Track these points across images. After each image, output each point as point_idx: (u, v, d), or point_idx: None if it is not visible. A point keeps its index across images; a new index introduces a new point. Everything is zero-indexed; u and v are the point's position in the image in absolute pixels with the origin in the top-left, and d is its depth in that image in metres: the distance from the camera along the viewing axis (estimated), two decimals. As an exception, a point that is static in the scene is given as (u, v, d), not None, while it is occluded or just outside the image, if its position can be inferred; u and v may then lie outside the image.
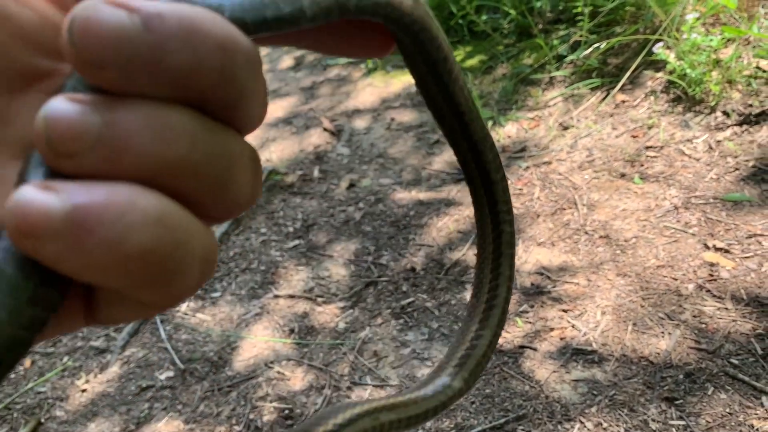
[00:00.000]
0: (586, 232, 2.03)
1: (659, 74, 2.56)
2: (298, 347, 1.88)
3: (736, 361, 1.50)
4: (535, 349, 1.68)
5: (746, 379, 1.45)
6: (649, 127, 2.39)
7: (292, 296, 2.08)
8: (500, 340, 1.73)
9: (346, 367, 1.77)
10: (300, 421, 1.63)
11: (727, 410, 1.40)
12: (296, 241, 2.37)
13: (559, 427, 1.46)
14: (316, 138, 3.12)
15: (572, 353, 1.64)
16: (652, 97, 2.51)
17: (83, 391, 1.87)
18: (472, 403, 1.58)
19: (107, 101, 0.19)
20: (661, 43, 2.49)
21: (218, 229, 2.45)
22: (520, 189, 2.33)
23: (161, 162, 0.19)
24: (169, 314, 2.09)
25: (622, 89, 2.62)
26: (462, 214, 2.28)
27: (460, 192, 2.42)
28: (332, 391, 1.70)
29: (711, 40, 2.34)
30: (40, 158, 0.19)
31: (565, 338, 1.68)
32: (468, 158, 0.31)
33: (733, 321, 1.59)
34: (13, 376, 1.94)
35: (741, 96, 2.29)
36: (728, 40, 2.40)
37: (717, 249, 1.82)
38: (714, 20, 2.56)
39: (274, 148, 3.13)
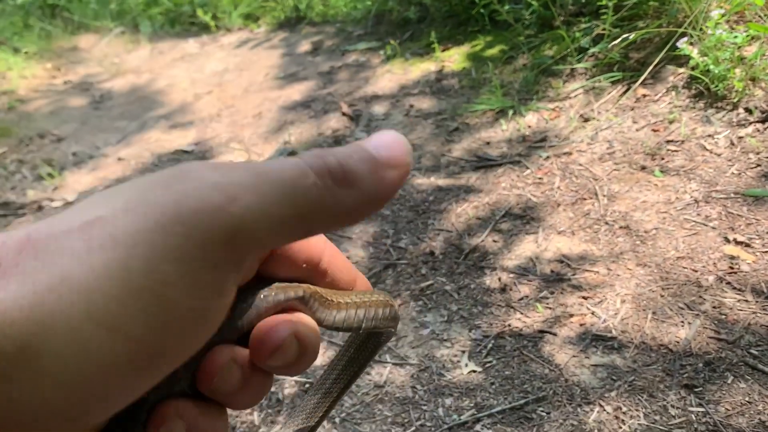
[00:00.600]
0: (606, 223, 2.04)
1: (682, 69, 2.56)
2: (318, 325, 1.90)
3: (755, 352, 1.51)
4: (554, 334, 1.70)
5: (766, 369, 1.47)
6: (670, 122, 2.40)
7: (311, 275, 2.10)
8: (519, 324, 1.75)
9: (366, 345, 1.79)
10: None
11: (747, 399, 1.42)
12: (315, 222, 2.38)
13: (579, 410, 1.48)
14: (334, 122, 3.14)
15: (592, 339, 1.65)
16: (673, 92, 2.52)
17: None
18: (492, 383, 1.60)
19: None
20: (685, 38, 2.50)
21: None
22: (540, 178, 2.34)
23: None
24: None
25: (643, 83, 2.62)
26: (481, 201, 2.30)
27: (480, 179, 2.43)
28: (352, 368, 1.72)
29: (736, 36, 2.35)
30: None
31: (584, 324, 1.70)
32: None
33: (753, 313, 1.61)
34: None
35: (764, 93, 2.30)
36: (753, 37, 2.40)
37: (737, 243, 1.83)
38: (738, 17, 2.56)
39: (292, 130, 3.14)
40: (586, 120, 2.59)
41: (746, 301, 1.65)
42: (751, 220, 1.89)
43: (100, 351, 0.23)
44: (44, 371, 0.22)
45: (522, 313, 1.79)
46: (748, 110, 2.29)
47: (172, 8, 5.51)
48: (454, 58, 3.38)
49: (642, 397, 1.48)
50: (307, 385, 1.70)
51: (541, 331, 1.71)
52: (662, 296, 1.73)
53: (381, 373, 1.70)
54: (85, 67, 4.83)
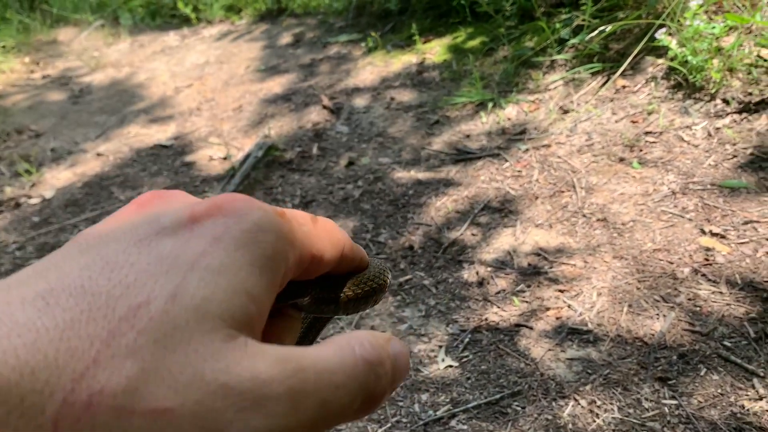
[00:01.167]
0: (584, 215, 2.04)
1: (660, 60, 2.56)
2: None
3: (729, 344, 1.52)
4: (531, 328, 1.70)
5: (738, 361, 1.47)
6: (649, 113, 2.40)
7: (290, 271, 2.09)
8: (496, 318, 1.75)
9: (344, 341, 1.78)
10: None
11: (719, 391, 1.43)
12: (294, 217, 2.37)
13: (554, 403, 1.48)
14: (315, 115, 3.12)
15: (568, 332, 1.66)
16: (652, 83, 2.52)
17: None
18: (468, 378, 1.60)
19: None
20: (663, 29, 2.50)
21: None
22: (519, 171, 2.34)
23: None
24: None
25: (622, 74, 2.62)
26: (460, 195, 2.29)
27: (459, 173, 2.42)
28: (329, 364, 1.72)
29: (713, 27, 2.35)
30: None
31: (561, 318, 1.70)
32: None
33: (727, 305, 1.62)
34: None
35: (741, 84, 2.30)
36: (730, 28, 2.40)
37: (713, 234, 1.83)
38: (717, 8, 2.57)
39: (272, 124, 3.12)
40: (566, 112, 2.59)
41: (720, 292, 1.65)
42: (727, 211, 1.90)
43: None
44: None
45: (499, 307, 1.79)
46: (725, 101, 2.29)
47: (153, 1, 5.45)
48: (436, 50, 3.37)
49: (616, 390, 1.48)
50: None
51: (518, 325, 1.71)
52: (638, 289, 1.73)
53: (358, 369, 1.69)
54: (64, 61, 4.77)
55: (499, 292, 1.84)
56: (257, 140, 2.95)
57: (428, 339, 1.75)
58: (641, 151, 2.26)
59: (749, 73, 2.30)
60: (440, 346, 1.71)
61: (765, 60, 2.30)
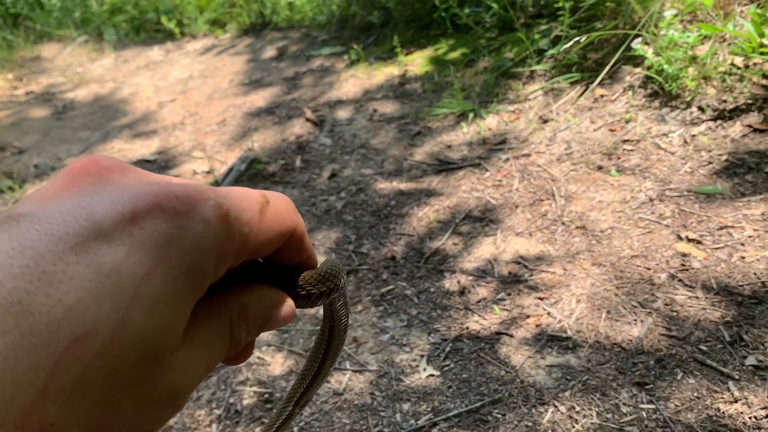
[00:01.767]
0: (563, 223, 2.06)
1: (637, 69, 2.60)
2: (279, 333, 1.89)
3: (704, 348, 1.54)
4: (511, 336, 1.71)
5: (714, 364, 1.49)
6: (627, 121, 2.44)
7: (272, 283, 2.10)
8: (477, 327, 1.76)
9: (326, 352, 1.79)
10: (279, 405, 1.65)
11: (695, 394, 1.44)
12: (277, 230, 2.38)
13: (534, 410, 1.50)
14: (298, 128, 3.13)
15: (547, 340, 1.67)
16: (630, 92, 2.56)
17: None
18: (449, 387, 1.61)
19: None
20: (639, 39, 2.54)
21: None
22: (499, 180, 2.36)
23: None
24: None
25: (601, 84, 2.66)
26: (442, 205, 2.31)
27: (441, 183, 2.45)
28: (312, 376, 1.72)
29: (688, 36, 2.39)
30: None
31: (540, 325, 1.72)
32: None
33: (703, 309, 1.64)
34: None
35: (716, 92, 2.34)
36: (705, 37, 2.45)
37: (689, 240, 1.86)
38: (691, 17, 2.61)
39: (256, 137, 3.13)
40: (545, 121, 2.62)
41: (696, 297, 1.68)
42: (703, 217, 1.93)
43: None
44: None
45: (480, 316, 1.80)
46: (700, 109, 2.33)
47: (137, 16, 5.46)
48: (417, 62, 3.40)
49: (595, 396, 1.50)
50: (266, 395, 1.69)
51: (498, 333, 1.73)
52: (616, 295, 1.75)
53: (340, 380, 1.70)
54: (48, 77, 4.77)
55: (480, 301, 1.85)
56: (240, 154, 2.96)
57: (410, 349, 1.75)
58: (619, 159, 2.29)
59: (723, 81, 2.34)
60: (422, 356, 1.72)
61: (738, 68, 2.35)
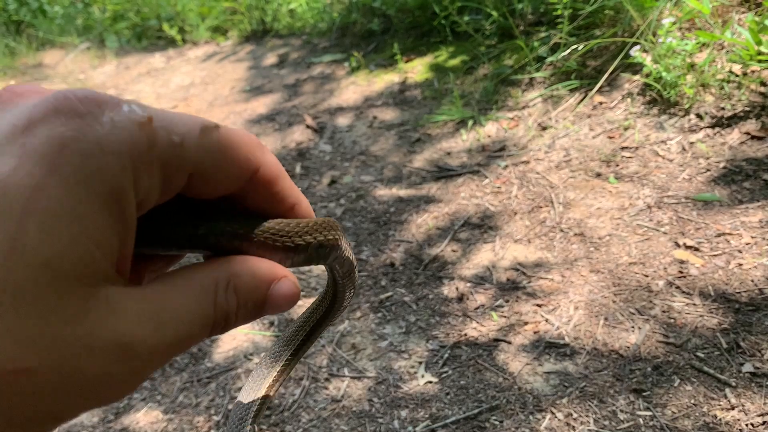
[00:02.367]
0: (562, 230, 2.07)
1: (636, 77, 2.61)
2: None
3: (702, 355, 1.55)
4: (509, 343, 1.72)
5: (711, 371, 1.50)
6: (625, 129, 2.45)
7: (272, 290, 2.10)
8: (475, 334, 1.77)
9: (325, 359, 1.79)
10: (278, 411, 1.66)
11: (692, 401, 1.45)
12: (277, 236, 2.39)
13: (531, 417, 1.50)
14: (298, 135, 3.15)
15: (545, 346, 1.68)
16: (628, 99, 2.57)
17: (62, 381, 1.88)
18: (447, 394, 1.61)
19: None
20: (638, 47, 2.55)
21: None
22: (498, 187, 2.37)
23: None
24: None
25: (599, 91, 2.67)
26: (441, 211, 2.32)
27: (440, 190, 2.45)
28: (310, 382, 1.73)
29: (686, 44, 2.40)
30: None
31: (538, 332, 1.72)
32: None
33: (701, 316, 1.64)
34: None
35: (714, 99, 2.35)
36: (703, 44, 2.46)
37: (687, 247, 1.87)
38: (690, 25, 2.62)
39: (256, 144, 3.14)
40: (544, 128, 2.63)
41: (694, 304, 1.68)
42: (701, 224, 1.93)
43: None
44: None
45: (478, 322, 1.81)
46: (699, 116, 2.34)
47: (139, 23, 5.49)
48: (417, 69, 3.41)
49: (592, 402, 1.50)
50: (264, 401, 1.69)
51: (496, 340, 1.73)
52: (614, 302, 1.76)
53: (339, 387, 1.70)
54: (50, 84, 4.79)
55: (478, 308, 1.86)
56: (241, 160, 2.97)
57: (408, 355, 1.76)
58: (618, 166, 2.29)
59: (721, 88, 2.35)
60: (420, 362, 1.73)
61: (736, 75, 2.36)
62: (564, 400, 1.52)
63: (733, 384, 1.46)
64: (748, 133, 2.19)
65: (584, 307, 1.76)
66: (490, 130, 2.74)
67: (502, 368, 1.65)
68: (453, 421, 1.53)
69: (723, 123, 2.27)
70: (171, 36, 5.08)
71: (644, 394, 1.49)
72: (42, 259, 0.21)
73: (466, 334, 1.78)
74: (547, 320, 1.75)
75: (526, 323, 1.76)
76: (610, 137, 2.45)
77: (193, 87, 4.13)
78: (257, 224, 0.30)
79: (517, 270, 1.96)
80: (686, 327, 1.63)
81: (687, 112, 2.38)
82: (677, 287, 1.75)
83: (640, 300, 1.74)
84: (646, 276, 1.81)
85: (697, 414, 1.42)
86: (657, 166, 2.24)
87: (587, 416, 1.47)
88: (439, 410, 1.57)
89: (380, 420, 1.58)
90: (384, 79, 3.44)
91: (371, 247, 2.24)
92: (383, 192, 2.53)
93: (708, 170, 2.13)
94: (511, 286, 1.90)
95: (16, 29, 5.87)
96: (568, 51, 2.76)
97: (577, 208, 2.15)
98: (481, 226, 2.20)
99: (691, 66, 2.43)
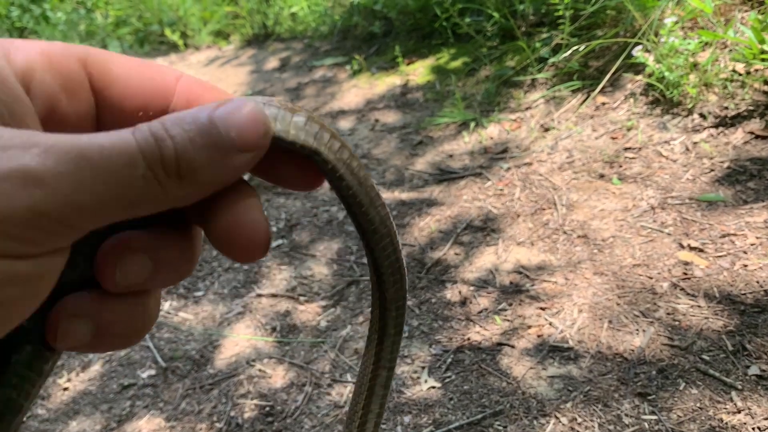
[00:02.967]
0: (565, 232, 2.06)
1: (638, 77, 2.60)
2: (280, 345, 1.89)
3: (707, 357, 1.53)
4: (512, 346, 1.70)
5: (717, 374, 1.48)
6: (628, 129, 2.43)
7: (274, 295, 2.10)
8: (478, 338, 1.76)
9: (327, 364, 1.79)
10: (280, 418, 1.65)
11: (698, 405, 1.43)
12: (279, 241, 2.38)
13: (535, 422, 1.49)
14: (300, 139, 3.14)
15: (549, 350, 1.66)
16: (631, 100, 2.55)
17: (65, 389, 1.88)
18: (450, 399, 1.60)
19: None
20: (640, 47, 2.54)
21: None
22: (501, 189, 2.36)
23: None
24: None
25: (602, 91, 2.65)
26: (443, 215, 2.31)
27: (442, 192, 2.44)
28: (313, 388, 1.72)
29: (689, 43, 2.39)
30: None
31: (542, 335, 1.71)
32: (371, 269, 0.36)
33: (706, 318, 1.63)
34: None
35: (717, 99, 2.33)
36: (705, 43, 2.44)
37: (691, 248, 1.85)
38: (692, 24, 2.61)
39: (258, 148, 3.14)
40: (547, 130, 2.62)
41: (699, 306, 1.67)
42: (705, 225, 1.92)
43: None
44: None
45: (481, 326, 1.79)
46: (702, 116, 2.32)
47: (141, 28, 5.50)
48: (419, 72, 3.41)
49: (597, 407, 1.49)
50: (267, 408, 1.69)
51: (500, 344, 1.72)
52: (618, 304, 1.74)
53: (341, 392, 1.69)
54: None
55: (481, 311, 1.85)
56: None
57: (411, 360, 1.75)
58: (621, 167, 2.28)
59: (725, 87, 2.33)
60: (423, 367, 1.72)
61: (740, 74, 2.34)
62: (568, 405, 1.51)
63: (739, 387, 1.44)
64: (752, 133, 2.18)
65: (588, 310, 1.75)
66: (492, 132, 2.73)
67: (505, 373, 1.64)
68: (456, 427, 1.52)
69: (726, 122, 2.26)
70: (173, 41, 5.09)
71: (649, 397, 1.48)
72: None
73: (469, 339, 1.77)
74: (550, 324, 1.74)
75: (529, 327, 1.75)
76: (613, 138, 2.44)
77: (196, 92, 4.13)
78: None
79: (520, 273, 1.94)
80: (691, 329, 1.61)
81: (690, 112, 2.36)
82: (682, 289, 1.73)
83: (645, 302, 1.73)
84: (651, 278, 1.80)
85: (702, 417, 1.40)
86: (660, 166, 2.22)
87: (592, 421, 1.46)
88: (442, 416, 1.56)
89: (383, 426, 1.57)
90: (386, 82, 3.43)
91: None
92: (385, 195, 2.52)
93: (712, 170, 2.12)
94: (515, 290, 1.89)
95: (19, 35, 5.89)
96: (570, 52, 2.75)
97: (580, 209, 2.14)
98: (483, 229, 2.19)
99: (694, 65, 2.42)
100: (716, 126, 2.27)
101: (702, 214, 1.97)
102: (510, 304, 1.84)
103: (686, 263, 1.81)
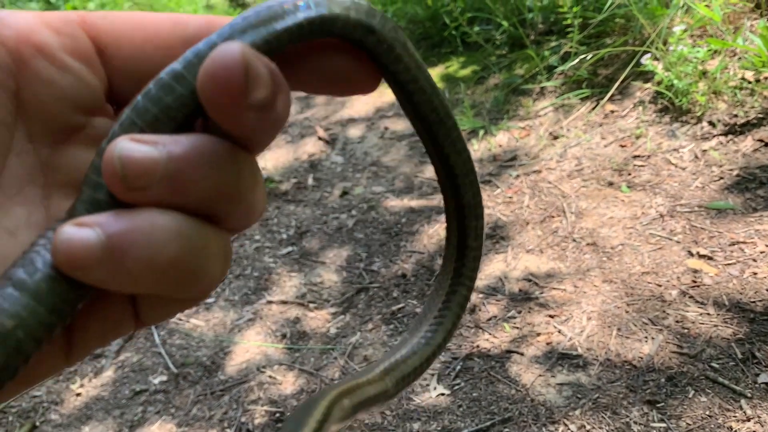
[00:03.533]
0: (574, 240, 2.06)
1: (647, 85, 2.60)
2: (290, 352, 1.91)
3: (716, 365, 1.53)
4: (521, 354, 1.71)
5: (726, 382, 1.48)
6: (637, 137, 2.44)
7: (284, 302, 2.12)
8: (488, 345, 1.76)
9: (337, 371, 1.80)
10: (290, 424, 1.66)
11: (707, 413, 1.43)
12: (289, 248, 2.40)
13: (544, 429, 1.49)
14: (310, 147, 3.16)
15: (558, 357, 1.67)
16: (640, 108, 2.56)
17: (78, 395, 1.90)
18: (459, 406, 1.61)
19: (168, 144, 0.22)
20: (648, 55, 2.54)
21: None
22: (510, 197, 2.37)
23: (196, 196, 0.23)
24: (163, 319, 2.12)
25: (611, 99, 2.66)
26: (453, 222, 2.32)
27: (452, 200, 2.45)
28: (323, 394, 1.73)
29: (698, 51, 2.39)
30: (87, 195, 0.23)
31: (551, 343, 1.72)
32: (441, 173, 0.32)
33: (715, 326, 1.63)
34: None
35: (727, 106, 2.34)
36: (714, 51, 2.45)
37: (700, 256, 1.85)
38: (701, 32, 2.61)
39: (269, 156, 3.16)
40: (556, 137, 2.63)
41: (708, 314, 1.67)
42: (714, 233, 1.92)
43: None
44: None
45: (490, 334, 1.80)
46: (711, 123, 2.32)
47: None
48: (428, 80, 3.42)
49: (606, 414, 1.49)
50: (277, 414, 1.70)
51: (509, 351, 1.73)
52: (627, 312, 1.75)
53: (351, 398, 1.70)
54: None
55: (490, 319, 1.86)
56: (254, 172, 2.99)
57: (420, 367, 1.76)
58: (630, 174, 2.29)
59: (734, 95, 2.33)
60: (432, 374, 1.72)
61: (749, 82, 2.34)
62: (577, 412, 1.51)
63: (749, 395, 1.44)
64: (761, 140, 2.18)
65: (597, 318, 1.76)
66: (501, 139, 2.74)
67: (514, 380, 1.64)
68: (465, 434, 1.53)
69: (736, 130, 2.26)
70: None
71: (658, 405, 1.48)
72: None
73: (478, 346, 1.78)
74: (559, 331, 1.74)
75: (538, 334, 1.75)
76: (622, 146, 2.44)
77: (207, 100, 4.17)
78: None
79: (530, 280, 1.95)
80: (700, 337, 1.61)
81: (699, 120, 2.36)
82: (691, 297, 1.74)
83: (654, 310, 1.73)
84: (659, 285, 1.80)
85: (712, 426, 1.40)
86: (669, 174, 2.22)
87: (600, 428, 1.46)
88: (451, 422, 1.57)
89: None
90: (395, 90, 3.45)
91: (383, 258, 2.24)
92: (394, 203, 2.54)
93: (721, 178, 2.12)
94: (524, 297, 1.89)
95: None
96: (579, 60, 2.76)
97: (589, 217, 2.14)
98: (492, 236, 2.19)
99: (703, 73, 2.42)
100: (725, 134, 2.27)
101: (711, 222, 1.97)
102: (519, 312, 1.85)
103: (695, 271, 1.81)
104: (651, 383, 1.53)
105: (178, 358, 1.96)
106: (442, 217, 2.29)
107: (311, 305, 2.08)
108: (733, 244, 1.86)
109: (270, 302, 2.13)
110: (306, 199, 2.73)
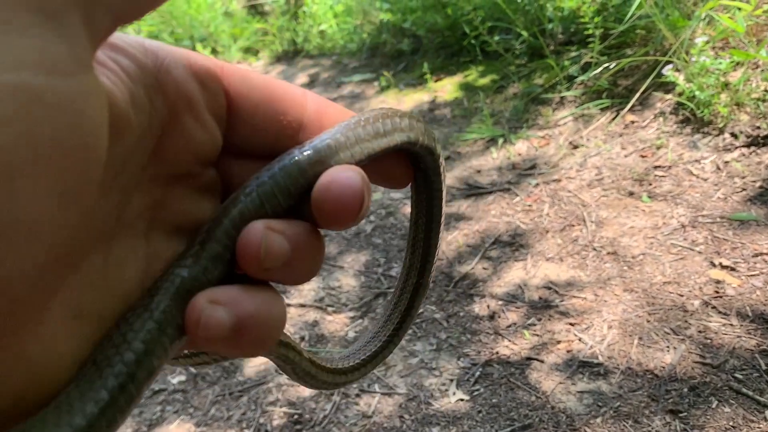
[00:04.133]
0: (594, 249, 2.06)
1: (668, 96, 2.60)
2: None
3: (740, 376, 1.52)
4: (542, 361, 1.70)
5: (750, 393, 1.47)
6: (658, 148, 2.43)
7: (303, 305, 2.12)
8: (507, 352, 1.76)
9: (355, 374, 1.80)
10: (309, 426, 1.66)
11: (731, 423, 1.42)
12: (308, 252, 2.41)
13: (564, 437, 1.48)
14: (329, 153, 3.18)
15: (578, 365, 1.66)
16: (661, 118, 2.55)
17: (97, 393, 1.91)
18: (479, 412, 1.60)
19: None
20: (670, 65, 2.54)
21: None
22: (529, 205, 2.37)
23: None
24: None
25: (631, 110, 2.66)
26: (471, 229, 2.32)
27: (470, 207, 2.46)
28: (341, 398, 1.73)
29: (720, 63, 2.39)
30: (213, 250, 0.26)
31: (571, 351, 1.71)
32: (416, 258, 0.40)
33: (738, 337, 1.61)
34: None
35: (749, 118, 2.32)
36: (737, 63, 2.44)
37: (723, 267, 1.84)
38: (723, 44, 2.61)
39: (287, 161, 3.18)
40: (575, 147, 2.62)
41: (731, 325, 1.65)
42: (737, 244, 1.90)
43: None
44: None
45: (510, 341, 1.80)
46: (733, 135, 2.31)
47: (173, 43, 5.61)
48: (447, 88, 3.44)
49: (627, 423, 1.48)
50: (296, 416, 1.70)
51: (529, 358, 1.72)
52: (648, 321, 1.73)
53: (369, 403, 1.70)
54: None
55: (510, 326, 1.85)
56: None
57: (439, 373, 1.75)
58: (651, 185, 2.28)
59: (757, 107, 2.32)
60: (451, 380, 1.72)
61: (772, 94, 2.33)
62: (598, 420, 1.50)
63: (773, 406, 1.43)
64: (784, 153, 2.16)
65: (618, 327, 1.74)
66: (520, 148, 2.74)
67: (534, 387, 1.63)
68: (485, 439, 1.52)
69: (758, 142, 2.24)
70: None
71: (681, 415, 1.47)
72: None
73: (497, 352, 1.77)
74: (580, 339, 1.74)
75: (558, 342, 1.75)
76: (643, 156, 2.43)
77: (226, 106, 4.20)
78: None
79: (549, 288, 1.94)
80: (723, 348, 1.60)
81: (721, 131, 2.35)
82: (713, 307, 1.72)
83: (676, 320, 1.72)
84: (681, 295, 1.79)
85: (736, 436, 1.39)
86: (691, 185, 2.21)
87: (622, 437, 1.45)
88: (470, 428, 1.56)
89: (411, 437, 1.58)
90: (413, 98, 3.46)
91: (401, 264, 2.24)
92: (413, 209, 2.54)
93: (743, 189, 2.11)
94: (543, 305, 1.89)
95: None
96: (599, 70, 2.76)
97: (609, 226, 2.14)
98: (512, 244, 2.19)
99: (726, 85, 2.41)
100: (748, 145, 2.25)
101: (734, 233, 1.95)
102: (539, 319, 1.84)
103: (718, 282, 1.80)
104: (673, 393, 1.52)
105: (197, 359, 1.96)
106: (460, 224, 2.29)
107: (329, 309, 2.08)
108: (756, 255, 1.84)
109: (289, 305, 2.13)
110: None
